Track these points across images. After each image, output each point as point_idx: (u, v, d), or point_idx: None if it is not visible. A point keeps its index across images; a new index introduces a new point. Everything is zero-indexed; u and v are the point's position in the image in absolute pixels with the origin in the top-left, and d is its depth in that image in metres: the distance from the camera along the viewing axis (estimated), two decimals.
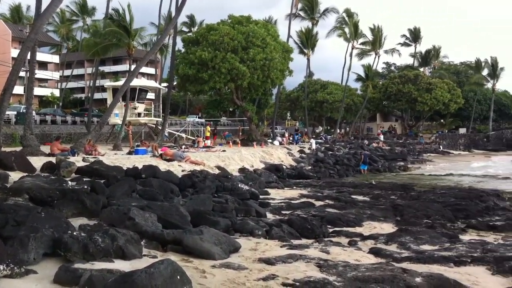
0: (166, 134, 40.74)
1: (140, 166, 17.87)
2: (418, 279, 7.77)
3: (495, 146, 69.32)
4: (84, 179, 14.29)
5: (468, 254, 9.97)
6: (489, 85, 77.40)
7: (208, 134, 36.90)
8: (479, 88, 76.34)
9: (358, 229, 13.05)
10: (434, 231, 12.54)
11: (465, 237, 12.32)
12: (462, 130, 75.78)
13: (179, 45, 40.10)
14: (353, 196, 19.88)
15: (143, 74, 67.27)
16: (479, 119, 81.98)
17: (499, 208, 17.07)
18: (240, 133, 43.87)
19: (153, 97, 51.04)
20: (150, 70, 69.58)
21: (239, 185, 18.19)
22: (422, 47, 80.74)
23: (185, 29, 63.18)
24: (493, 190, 22.29)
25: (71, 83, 73.66)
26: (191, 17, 64.41)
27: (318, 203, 17.41)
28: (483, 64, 76.07)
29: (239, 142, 38.12)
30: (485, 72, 76.07)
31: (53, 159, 17.16)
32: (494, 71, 74.43)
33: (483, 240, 11.78)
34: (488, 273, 8.87)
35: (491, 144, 70.69)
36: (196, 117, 63.00)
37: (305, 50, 58.04)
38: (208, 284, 6.97)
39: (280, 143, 41.71)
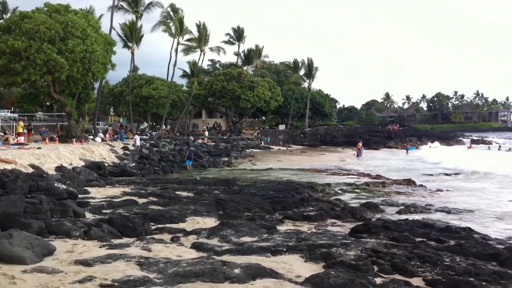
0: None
1: None
2: (236, 270, 8.01)
3: (311, 142, 74.80)
4: None
5: (284, 243, 10.53)
6: (305, 85, 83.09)
7: (21, 130, 34.01)
8: (297, 87, 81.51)
9: (181, 225, 13.10)
10: (254, 223, 13.05)
11: (282, 228, 13.01)
12: (282, 127, 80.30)
13: None
14: (178, 192, 19.91)
15: None
16: (297, 116, 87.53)
17: (313, 199, 18.31)
18: (58, 129, 41.30)
19: None
20: None
21: (56, 184, 17.08)
22: (246, 45, 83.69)
23: None
24: (308, 182, 23.86)
25: None
26: (3, 3, 58.82)
27: (142, 201, 17.15)
28: (300, 64, 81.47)
29: (57, 138, 35.95)
30: (302, 72, 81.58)
31: None
32: (310, 71, 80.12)
33: (298, 230, 12.53)
34: (301, 260, 9.45)
35: (307, 140, 76.11)
36: (7, 111, 57.88)
37: (130, 44, 56.65)
38: None
39: (103, 140, 40.22)
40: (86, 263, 8.28)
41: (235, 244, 10.68)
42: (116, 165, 30.44)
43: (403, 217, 14.86)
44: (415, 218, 14.54)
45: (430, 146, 64.61)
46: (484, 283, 7.91)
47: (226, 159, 42.50)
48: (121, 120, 70.19)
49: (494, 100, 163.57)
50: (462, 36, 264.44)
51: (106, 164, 28.80)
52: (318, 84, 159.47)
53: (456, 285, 7.83)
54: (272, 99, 68.40)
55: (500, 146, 61.75)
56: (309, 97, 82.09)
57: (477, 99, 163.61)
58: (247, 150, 54.21)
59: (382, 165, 40.25)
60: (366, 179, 26.75)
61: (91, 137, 40.94)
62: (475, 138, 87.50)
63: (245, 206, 15.77)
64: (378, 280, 8.11)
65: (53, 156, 25.43)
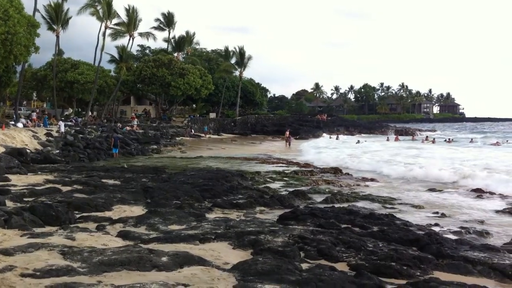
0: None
1: None
2: (164, 258, 7.96)
3: (241, 130, 75.10)
4: None
5: (212, 231, 10.54)
6: (237, 73, 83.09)
7: None
8: (228, 75, 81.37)
9: (107, 213, 12.83)
10: (183, 211, 12.98)
11: (211, 216, 13.00)
12: (212, 115, 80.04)
13: None
14: (104, 180, 19.45)
15: None
16: (228, 105, 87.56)
17: (242, 187, 18.41)
18: None
19: None
20: None
21: None
22: (176, 32, 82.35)
23: None
24: (237, 171, 23.96)
25: None
26: None
27: (66, 189, 16.63)
28: (231, 52, 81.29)
29: None
30: (233, 60, 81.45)
31: None
32: (242, 59, 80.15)
33: (227, 218, 12.57)
34: (230, 247, 9.50)
35: (238, 128, 76.35)
36: None
37: (54, 27, 54.50)
38: None
39: (25, 126, 38.59)
40: (6, 252, 8.07)
41: (163, 232, 10.60)
42: (39, 152, 29.51)
43: (330, 204, 15.20)
44: (341, 205, 14.92)
45: (330, 137, 65.16)
46: (405, 267, 8.25)
47: (155, 146, 41.97)
48: (45, 105, 67.41)
49: (418, 92, 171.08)
50: (389, 28, 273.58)
51: (28, 151, 27.76)
52: (250, 73, 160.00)
53: (378, 270, 8.11)
54: (203, 87, 67.91)
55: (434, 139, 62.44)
56: (240, 85, 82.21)
57: (402, 91, 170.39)
58: (177, 138, 53.73)
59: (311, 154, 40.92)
60: (295, 168, 27.15)
61: (13, 122, 39.20)
62: (398, 128, 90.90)
63: (174, 194, 15.65)
64: (305, 266, 8.29)
65: None
